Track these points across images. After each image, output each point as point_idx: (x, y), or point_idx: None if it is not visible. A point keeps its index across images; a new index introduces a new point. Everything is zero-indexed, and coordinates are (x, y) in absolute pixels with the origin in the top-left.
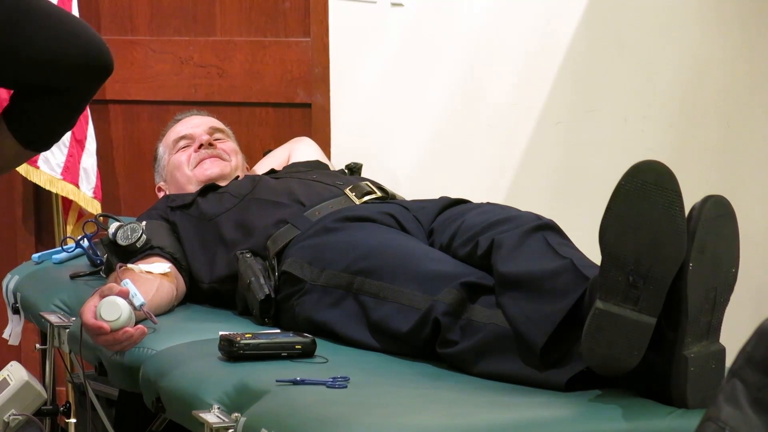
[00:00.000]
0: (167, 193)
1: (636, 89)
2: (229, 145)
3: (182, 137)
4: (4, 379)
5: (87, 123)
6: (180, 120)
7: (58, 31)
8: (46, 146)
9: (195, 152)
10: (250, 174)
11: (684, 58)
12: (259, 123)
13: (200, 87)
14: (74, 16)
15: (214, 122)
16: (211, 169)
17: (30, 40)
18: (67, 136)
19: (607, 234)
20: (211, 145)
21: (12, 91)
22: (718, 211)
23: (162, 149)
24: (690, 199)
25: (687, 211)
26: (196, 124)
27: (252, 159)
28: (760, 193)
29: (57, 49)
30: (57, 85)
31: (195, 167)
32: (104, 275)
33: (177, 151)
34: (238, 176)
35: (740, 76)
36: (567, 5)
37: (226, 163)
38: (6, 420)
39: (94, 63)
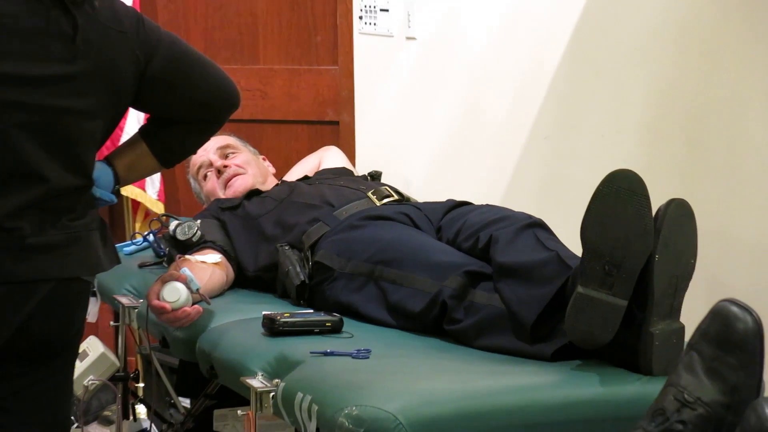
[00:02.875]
0: None
1: (611, 109)
2: (241, 157)
3: (200, 167)
4: (84, 350)
5: None
6: (209, 145)
7: (212, 76)
8: (177, 164)
9: (218, 179)
10: (287, 180)
11: (652, 83)
12: (295, 138)
13: (246, 107)
14: (213, 62)
15: (221, 141)
16: (237, 186)
17: (196, 84)
18: None
19: (587, 230)
20: (226, 167)
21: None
22: (680, 212)
23: (192, 181)
24: (656, 201)
25: (654, 211)
26: (206, 149)
27: (288, 166)
28: (716, 197)
29: (213, 91)
30: (204, 118)
31: (226, 189)
32: (166, 264)
33: (203, 179)
34: (275, 183)
35: (701, 98)
36: (553, 38)
37: (247, 175)
38: (86, 384)
39: (234, 101)
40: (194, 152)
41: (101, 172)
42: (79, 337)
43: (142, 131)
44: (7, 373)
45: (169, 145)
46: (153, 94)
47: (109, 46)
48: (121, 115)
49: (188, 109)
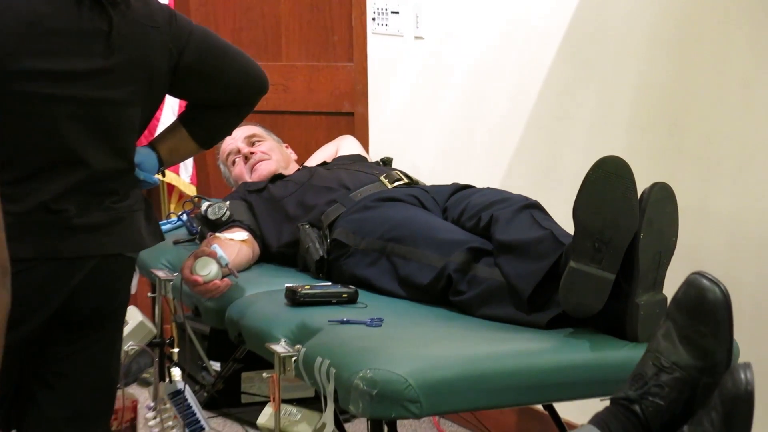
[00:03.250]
0: None
1: (601, 102)
2: (266, 145)
3: (229, 153)
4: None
5: None
6: (237, 133)
7: (241, 64)
8: (215, 145)
9: (245, 163)
10: (308, 165)
11: (637, 79)
12: (314, 127)
13: (270, 100)
14: (242, 51)
15: (247, 130)
16: (261, 170)
17: (229, 71)
18: None
19: (578, 211)
20: (252, 153)
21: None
22: (662, 194)
23: (222, 166)
24: (641, 184)
25: (639, 193)
26: (234, 138)
27: (308, 153)
28: (694, 180)
29: (244, 76)
30: (237, 102)
31: (252, 173)
32: (198, 242)
33: (232, 164)
34: (296, 168)
35: (680, 92)
36: (548, 39)
37: (270, 160)
38: (126, 349)
39: (262, 85)
40: (229, 134)
41: (146, 157)
42: (125, 308)
43: (181, 117)
44: (59, 340)
45: (206, 128)
46: (187, 83)
47: (143, 40)
48: (157, 103)
49: (221, 94)
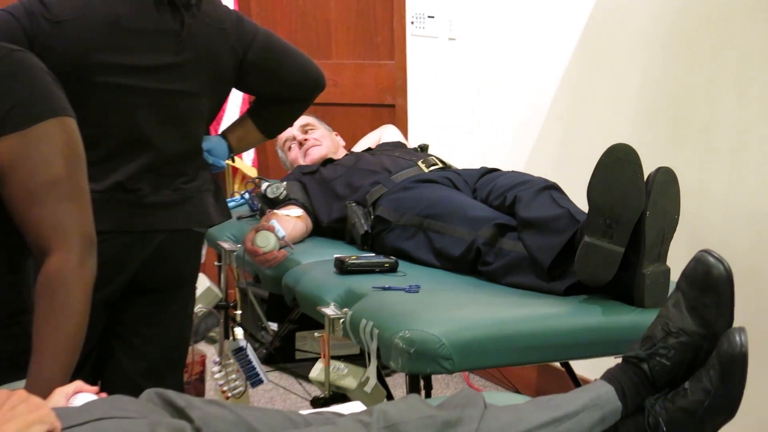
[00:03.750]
0: None
1: (612, 95)
2: (318, 133)
3: (286, 140)
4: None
5: None
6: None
7: (300, 63)
8: (277, 135)
9: (299, 148)
10: (354, 151)
11: (643, 75)
12: (360, 118)
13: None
14: (301, 52)
15: (302, 120)
16: (313, 154)
17: (289, 68)
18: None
19: (592, 192)
20: (306, 140)
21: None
22: (666, 177)
23: (280, 151)
24: (647, 168)
25: (645, 176)
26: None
27: (355, 140)
28: (695, 165)
29: (302, 74)
30: (296, 97)
31: (305, 157)
32: (258, 217)
33: (288, 150)
34: (345, 153)
35: (682, 87)
36: (565, 40)
37: (322, 146)
38: (195, 311)
39: (319, 83)
40: (290, 125)
41: (217, 144)
42: (195, 276)
43: (249, 110)
44: (136, 303)
45: (269, 120)
46: (251, 78)
47: (211, 39)
48: (224, 95)
49: (281, 89)
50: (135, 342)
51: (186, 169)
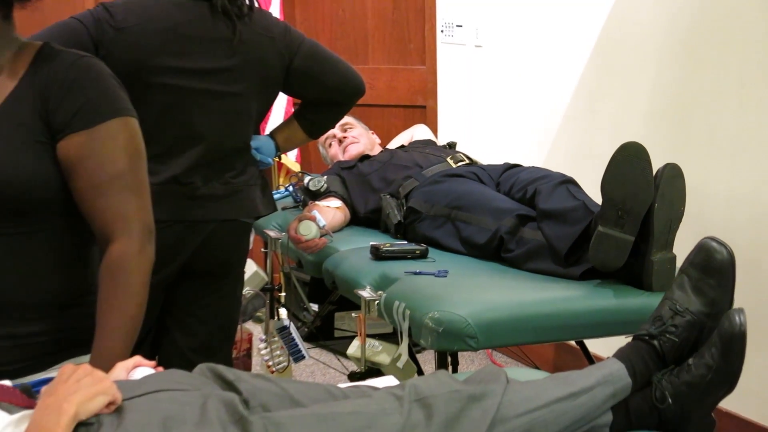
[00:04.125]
0: None
1: (622, 98)
2: (356, 131)
3: (327, 138)
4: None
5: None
6: None
7: (342, 70)
8: (320, 136)
9: (339, 145)
10: (389, 148)
11: (652, 80)
12: (394, 117)
13: None
14: (344, 60)
15: (342, 119)
16: (351, 151)
17: (331, 74)
18: (281, 122)
19: (605, 185)
20: (345, 137)
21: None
22: (673, 173)
23: (321, 148)
24: (656, 164)
25: (654, 171)
26: None
27: (389, 138)
28: (700, 162)
29: (343, 80)
30: (338, 101)
31: (344, 153)
32: (301, 208)
33: (328, 146)
34: (380, 150)
35: (687, 92)
36: (581, 47)
37: (359, 143)
38: (244, 293)
39: (359, 89)
40: (332, 127)
41: (265, 143)
42: (243, 263)
43: (295, 113)
44: (189, 287)
45: (313, 122)
46: (297, 83)
47: (260, 47)
48: (272, 98)
49: (323, 94)
50: (188, 321)
51: (234, 164)
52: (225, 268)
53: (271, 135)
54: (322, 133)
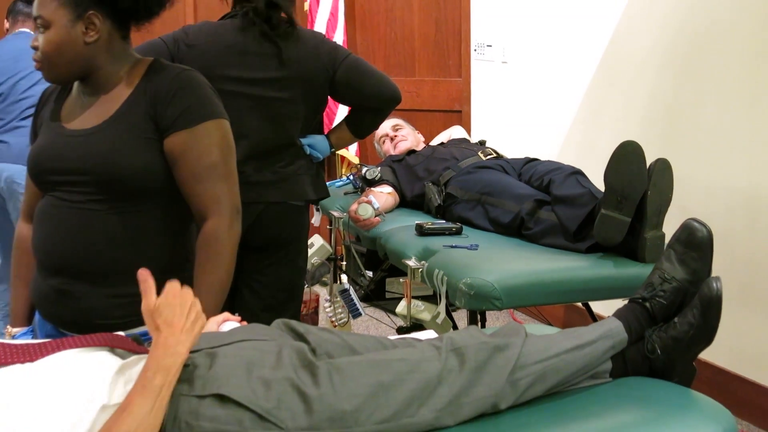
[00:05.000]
0: None
1: (623, 105)
2: (405, 131)
3: (381, 136)
4: (312, 243)
5: None
6: (386, 123)
7: (379, 81)
8: (365, 136)
9: (391, 142)
10: (431, 144)
11: (648, 89)
12: (435, 120)
13: (407, 102)
14: (382, 73)
15: (393, 121)
16: (401, 147)
17: (368, 85)
18: None
19: (607, 176)
20: (395, 136)
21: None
22: (663, 166)
23: (376, 144)
24: (649, 159)
25: (648, 164)
26: (384, 126)
27: (431, 136)
28: (685, 157)
29: (379, 89)
30: (376, 107)
31: (395, 149)
32: (359, 193)
33: (382, 143)
34: (424, 146)
35: (677, 99)
36: (588, 63)
37: (407, 141)
38: (312, 262)
39: (394, 97)
40: (375, 129)
41: (320, 141)
42: (299, 238)
43: (345, 118)
44: (250, 259)
45: (358, 125)
46: (340, 91)
47: (305, 61)
48: (319, 103)
49: (363, 101)
50: (254, 286)
51: (283, 156)
52: (276, 244)
53: (327, 135)
54: (366, 135)
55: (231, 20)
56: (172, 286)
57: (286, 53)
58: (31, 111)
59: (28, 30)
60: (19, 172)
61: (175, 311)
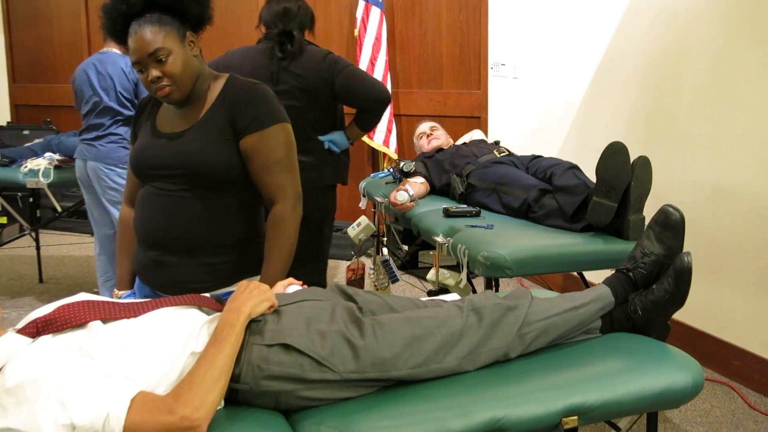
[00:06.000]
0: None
1: (612, 111)
2: (439, 132)
3: (419, 135)
4: (359, 222)
5: (392, 122)
6: (420, 125)
7: (371, 86)
8: (370, 130)
9: (426, 138)
10: (456, 144)
11: (634, 99)
12: (459, 124)
13: (437, 110)
14: (375, 79)
15: (429, 123)
16: (434, 144)
17: (361, 90)
18: (385, 126)
19: (598, 170)
20: (430, 135)
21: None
22: (644, 162)
23: (416, 141)
24: (633, 155)
25: (632, 161)
26: (423, 126)
27: (457, 137)
28: (661, 155)
29: (370, 93)
30: (370, 108)
31: (428, 146)
32: (397, 183)
33: (421, 139)
34: (451, 145)
35: (656, 108)
36: (584, 75)
37: (440, 140)
38: (360, 238)
39: (383, 98)
40: (376, 124)
41: (339, 136)
42: (323, 214)
43: (354, 117)
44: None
45: (362, 122)
46: (341, 95)
47: (308, 74)
48: (329, 107)
49: (359, 103)
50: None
51: (302, 151)
52: (304, 217)
53: (344, 131)
54: (371, 129)
55: (256, 45)
56: (241, 284)
57: (293, 70)
58: (116, 119)
59: (116, 50)
60: (98, 165)
61: (240, 289)
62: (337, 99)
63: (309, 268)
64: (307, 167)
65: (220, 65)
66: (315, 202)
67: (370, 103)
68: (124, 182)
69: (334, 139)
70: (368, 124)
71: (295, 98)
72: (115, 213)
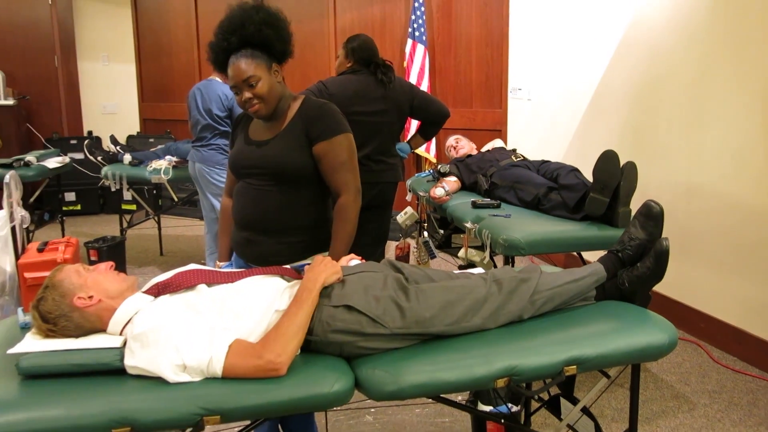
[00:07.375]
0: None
1: (605, 128)
2: (462, 143)
3: (448, 147)
4: (405, 211)
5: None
6: (448, 140)
7: (437, 104)
8: (428, 140)
9: (454, 150)
10: (481, 151)
11: (624, 115)
12: (484, 136)
13: (467, 123)
14: (439, 101)
15: (456, 137)
16: (461, 152)
17: (431, 108)
18: None
19: (595, 172)
20: (456, 146)
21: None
22: (631, 166)
23: (447, 152)
24: (622, 160)
25: (621, 164)
26: (450, 140)
27: (481, 146)
28: (646, 160)
29: (437, 111)
30: (435, 121)
31: (457, 154)
32: (435, 181)
33: (450, 151)
34: (474, 150)
35: (639, 124)
36: (583, 95)
37: (466, 149)
38: (407, 223)
39: (445, 114)
40: (435, 134)
41: (404, 145)
42: (391, 203)
43: (417, 128)
44: (366, 214)
45: (425, 132)
46: (416, 112)
47: (398, 96)
48: (405, 122)
49: (428, 117)
50: (366, 228)
51: (386, 155)
52: (385, 204)
53: (408, 141)
54: (431, 138)
55: (353, 74)
56: (317, 257)
57: (387, 94)
58: (213, 132)
59: (218, 79)
60: (202, 166)
61: (316, 261)
62: (413, 114)
63: (373, 248)
64: (392, 168)
65: (322, 93)
66: (393, 193)
67: (437, 116)
68: (222, 179)
69: (401, 147)
70: (431, 134)
71: (391, 115)
72: (215, 203)
